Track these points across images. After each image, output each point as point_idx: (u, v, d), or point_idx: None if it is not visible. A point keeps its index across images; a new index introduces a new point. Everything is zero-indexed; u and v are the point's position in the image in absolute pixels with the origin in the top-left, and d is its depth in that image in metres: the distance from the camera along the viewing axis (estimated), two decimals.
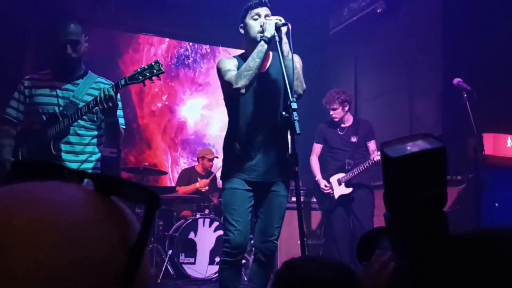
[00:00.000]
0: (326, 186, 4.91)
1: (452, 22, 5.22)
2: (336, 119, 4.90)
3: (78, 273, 0.42)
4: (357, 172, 4.72)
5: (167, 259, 5.11)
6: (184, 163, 6.99)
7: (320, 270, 1.10)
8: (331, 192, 4.87)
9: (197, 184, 5.87)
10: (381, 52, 6.24)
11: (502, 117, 4.29)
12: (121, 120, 2.97)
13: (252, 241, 3.81)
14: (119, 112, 2.92)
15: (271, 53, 2.92)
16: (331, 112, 4.89)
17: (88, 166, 2.88)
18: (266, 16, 2.81)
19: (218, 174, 4.57)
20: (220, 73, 2.84)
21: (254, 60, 2.70)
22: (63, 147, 2.83)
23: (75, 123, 2.82)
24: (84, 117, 2.84)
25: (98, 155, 2.97)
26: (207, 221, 5.37)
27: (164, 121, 7.00)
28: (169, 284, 4.98)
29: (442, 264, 0.51)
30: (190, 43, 7.27)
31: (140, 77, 2.66)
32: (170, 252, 5.14)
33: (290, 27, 2.69)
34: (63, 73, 2.93)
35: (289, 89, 2.51)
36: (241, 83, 2.69)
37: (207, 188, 5.83)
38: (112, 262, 0.44)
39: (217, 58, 6.99)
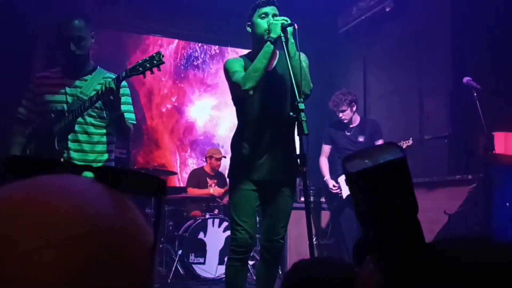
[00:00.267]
0: (334, 186, 4.93)
1: (461, 20, 5.19)
2: (345, 121, 4.91)
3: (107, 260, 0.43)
4: None
5: (177, 259, 5.12)
6: (192, 163, 7.01)
7: (329, 272, 1.10)
8: (339, 192, 4.90)
9: (211, 190, 5.91)
10: (390, 51, 6.21)
11: None
12: (130, 115, 2.92)
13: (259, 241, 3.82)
14: (128, 107, 2.89)
15: (277, 52, 2.91)
16: (340, 115, 4.89)
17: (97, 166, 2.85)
18: (273, 15, 2.81)
19: None
20: (228, 74, 2.84)
21: (261, 62, 2.70)
22: (72, 145, 2.80)
23: (83, 121, 2.79)
24: (92, 113, 2.81)
25: (107, 155, 2.91)
26: (217, 221, 5.39)
27: (172, 122, 7.03)
28: (179, 284, 5.00)
29: (420, 277, 0.50)
30: (199, 44, 7.28)
31: (141, 69, 2.59)
32: (180, 252, 5.15)
33: (296, 27, 2.68)
34: (72, 70, 2.90)
35: (296, 89, 2.52)
36: (249, 85, 2.69)
37: (221, 195, 5.87)
38: (139, 243, 0.47)
39: (225, 58, 7.00)
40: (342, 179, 4.88)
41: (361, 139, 4.87)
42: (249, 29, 2.92)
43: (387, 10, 6.09)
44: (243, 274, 2.87)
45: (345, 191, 4.85)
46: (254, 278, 3.94)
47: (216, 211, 5.60)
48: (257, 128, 2.84)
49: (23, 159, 0.52)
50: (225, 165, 5.79)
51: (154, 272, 0.48)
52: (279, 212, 2.87)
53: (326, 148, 5.13)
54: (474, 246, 0.52)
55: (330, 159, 5.13)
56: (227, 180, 3.05)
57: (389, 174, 0.52)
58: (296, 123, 2.49)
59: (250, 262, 4.81)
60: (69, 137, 2.80)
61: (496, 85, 4.36)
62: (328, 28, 7.19)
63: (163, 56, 2.60)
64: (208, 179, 6.01)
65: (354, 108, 4.91)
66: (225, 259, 5.13)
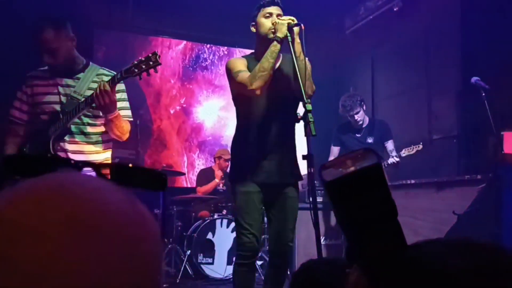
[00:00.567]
0: None
1: (470, 20, 5.16)
2: (360, 122, 4.87)
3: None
4: None
5: (185, 259, 5.15)
6: (200, 164, 7.03)
7: (337, 272, 1.10)
8: None
9: (216, 180, 6.00)
10: (398, 50, 6.19)
11: None
12: (126, 112, 2.84)
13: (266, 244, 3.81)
14: (124, 104, 2.82)
15: (280, 53, 2.91)
16: (356, 117, 4.84)
17: None
18: (278, 15, 2.80)
19: None
20: (231, 74, 2.82)
21: (268, 61, 2.68)
22: (70, 147, 2.72)
23: (79, 121, 2.72)
24: (88, 113, 2.72)
25: (106, 154, 2.84)
26: (225, 221, 5.41)
27: (179, 122, 7.05)
28: (188, 284, 5.02)
29: (400, 282, 0.51)
30: (208, 45, 7.30)
31: (136, 70, 2.51)
32: (188, 252, 5.18)
33: (303, 27, 2.66)
34: (60, 70, 2.77)
35: (302, 89, 2.50)
36: (256, 84, 2.68)
37: (222, 176, 5.97)
38: (152, 233, 0.49)
39: None
40: None
41: (370, 140, 4.85)
42: (253, 29, 2.90)
43: (395, 9, 6.07)
44: (251, 278, 2.85)
45: None
46: (262, 278, 3.94)
47: (224, 212, 5.62)
48: (260, 129, 2.81)
49: (28, 158, 0.53)
50: None
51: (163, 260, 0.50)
52: (287, 216, 2.82)
53: (335, 150, 5.12)
54: (453, 249, 0.53)
55: None
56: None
57: (365, 180, 0.53)
58: (304, 124, 2.45)
59: (258, 262, 4.82)
60: (66, 138, 2.72)
61: (505, 85, 4.33)
62: (336, 28, 7.18)
63: (159, 56, 2.52)
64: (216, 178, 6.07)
65: (364, 107, 4.90)
66: (234, 259, 5.16)
